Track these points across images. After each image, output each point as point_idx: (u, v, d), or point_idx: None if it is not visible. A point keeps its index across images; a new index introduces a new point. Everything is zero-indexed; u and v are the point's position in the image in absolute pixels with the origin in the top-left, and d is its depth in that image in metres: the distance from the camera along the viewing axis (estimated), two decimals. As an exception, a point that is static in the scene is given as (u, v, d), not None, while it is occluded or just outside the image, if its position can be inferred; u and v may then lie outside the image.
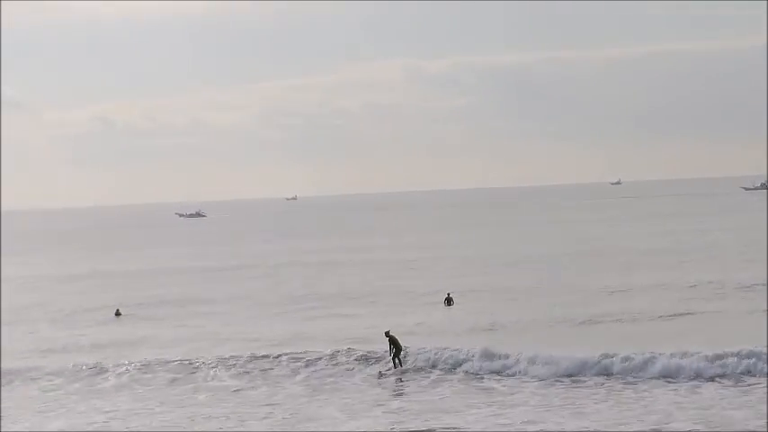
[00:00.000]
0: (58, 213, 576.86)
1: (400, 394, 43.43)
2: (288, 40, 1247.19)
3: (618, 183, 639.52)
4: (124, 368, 49.39)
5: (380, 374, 46.33)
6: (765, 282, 68.08)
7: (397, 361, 46.59)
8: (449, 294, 70.73)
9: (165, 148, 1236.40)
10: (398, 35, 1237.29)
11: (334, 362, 48.21)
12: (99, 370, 49.48)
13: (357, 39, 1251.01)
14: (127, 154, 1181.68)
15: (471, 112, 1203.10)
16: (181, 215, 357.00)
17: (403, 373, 46.10)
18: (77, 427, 39.77)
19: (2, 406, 43.51)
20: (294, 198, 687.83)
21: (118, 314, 72.18)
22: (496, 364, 45.91)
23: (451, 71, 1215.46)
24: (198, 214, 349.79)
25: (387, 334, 47.00)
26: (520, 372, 44.83)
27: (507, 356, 46.17)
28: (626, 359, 44.21)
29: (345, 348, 50.09)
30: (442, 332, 56.05)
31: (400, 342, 46.93)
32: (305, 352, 50.09)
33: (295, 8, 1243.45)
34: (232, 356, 50.23)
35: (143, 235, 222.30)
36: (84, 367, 50.00)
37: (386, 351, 47.24)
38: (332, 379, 46.06)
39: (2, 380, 48.67)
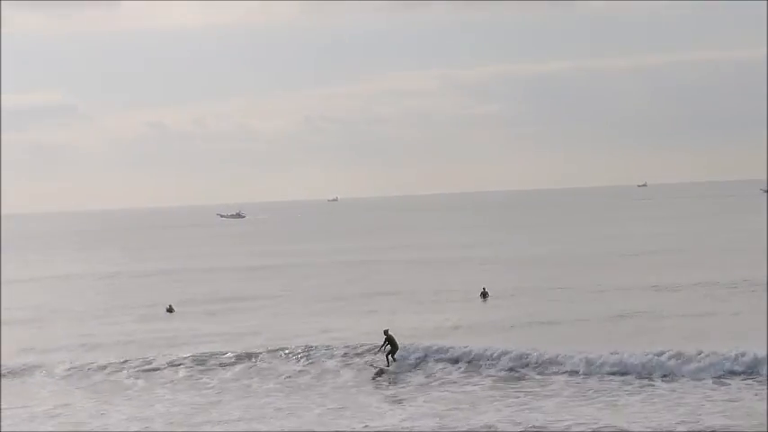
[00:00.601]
0: (112, 214, 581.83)
1: (443, 383, 45.18)
2: (331, 49, 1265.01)
3: (644, 185, 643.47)
4: (181, 362, 50.48)
5: (371, 365, 47.99)
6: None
7: (390, 358, 47.81)
8: (484, 289, 73.45)
9: (214, 153, 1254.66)
10: (434, 46, 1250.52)
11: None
12: (157, 365, 50.47)
13: (395, 49, 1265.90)
14: (177, 158, 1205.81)
15: (504, 119, 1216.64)
16: (222, 216, 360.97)
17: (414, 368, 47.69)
18: (143, 420, 41.49)
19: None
20: (335, 199, 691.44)
21: (170, 310, 73.47)
22: (527, 361, 46.46)
23: (485, 80, 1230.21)
24: (238, 215, 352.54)
25: (386, 332, 48.31)
26: (552, 369, 45.33)
27: (543, 354, 46.57)
28: (674, 356, 44.32)
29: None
30: (476, 328, 57.75)
31: (397, 341, 48.11)
32: (346, 346, 51.18)
33: (337, 20, 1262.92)
34: (280, 348, 51.58)
35: (186, 235, 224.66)
36: (141, 361, 51.06)
37: (378, 345, 48.49)
38: (372, 372, 47.71)
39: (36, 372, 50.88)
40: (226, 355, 51.23)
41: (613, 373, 44.09)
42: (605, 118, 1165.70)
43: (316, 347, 51.27)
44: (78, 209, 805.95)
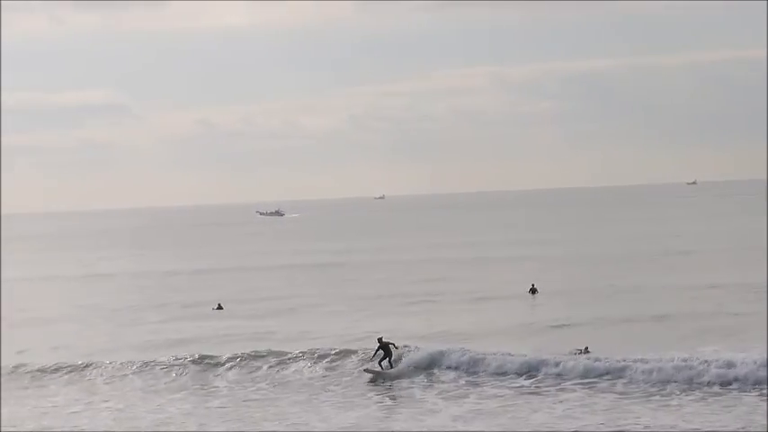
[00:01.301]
0: (161, 212, 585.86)
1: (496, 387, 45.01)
2: (378, 47, 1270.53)
3: (693, 183, 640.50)
4: (234, 359, 50.48)
5: (366, 370, 47.48)
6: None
7: (385, 364, 47.36)
8: (533, 285, 74.32)
9: (261, 151, 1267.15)
10: (483, 43, 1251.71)
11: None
12: (209, 364, 50.46)
13: (444, 47, 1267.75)
14: (225, 156, 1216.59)
15: (553, 117, 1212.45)
16: (261, 214, 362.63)
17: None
18: (200, 416, 42.13)
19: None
20: (382, 197, 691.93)
21: (219, 308, 74.24)
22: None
23: (534, 77, 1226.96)
24: (277, 213, 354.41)
25: (379, 340, 47.94)
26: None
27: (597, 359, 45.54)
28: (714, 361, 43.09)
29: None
30: (525, 328, 58.52)
31: (392, 347, 47.64)
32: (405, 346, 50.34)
33: (385, 18, 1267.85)
34: (314, 348, 51.11)
35: (231, 232, 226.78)
36: (191, 358, 51.10)
37: (373, 351, 47.89)
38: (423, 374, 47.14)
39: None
40: (279, 354, 51.20)
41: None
42: (655, 115, 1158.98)
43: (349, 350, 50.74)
44: (128, 206, 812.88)
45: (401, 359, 47.62)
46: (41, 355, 55.62)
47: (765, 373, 41.23)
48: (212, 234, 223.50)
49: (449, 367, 46.56)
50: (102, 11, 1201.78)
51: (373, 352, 47.79)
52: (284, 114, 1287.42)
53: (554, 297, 71.99)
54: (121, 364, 51.38)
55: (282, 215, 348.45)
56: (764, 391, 40.06)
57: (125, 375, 49.93)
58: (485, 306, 69.44)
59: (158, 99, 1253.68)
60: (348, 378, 47.07)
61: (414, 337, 55.17)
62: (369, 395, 44.30)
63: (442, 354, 47.30)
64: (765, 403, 38.71)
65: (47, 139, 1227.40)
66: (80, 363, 51.88)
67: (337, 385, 46.07)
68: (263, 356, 50.82)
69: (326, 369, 48.51)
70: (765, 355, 42.37)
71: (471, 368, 46.28)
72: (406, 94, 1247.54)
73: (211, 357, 51.25)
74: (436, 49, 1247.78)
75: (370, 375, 46.93)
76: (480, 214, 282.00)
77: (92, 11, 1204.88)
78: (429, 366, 46.90)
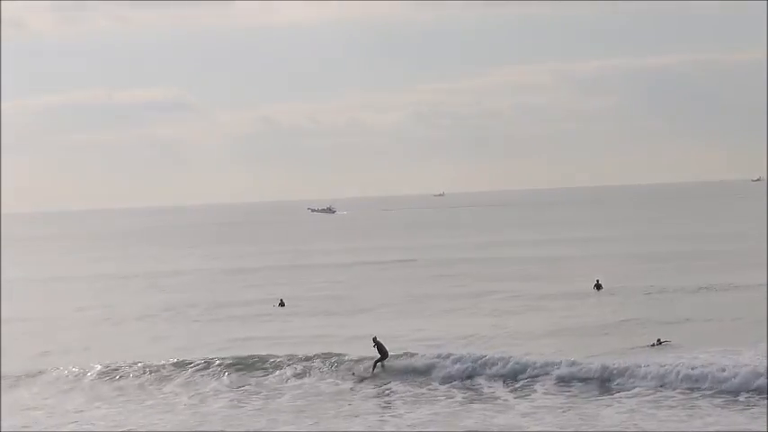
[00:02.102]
0: (225, 209, 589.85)
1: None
2: (441, 44, 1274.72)
3: (758, 180, 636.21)
4: (300, 359, 50.13)
5: (353, 373, 47.20)
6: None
7: (379, 365, 47.26)
8: (598, 281, 74.67)
9: (325, 148, 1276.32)
10: (547, 39, 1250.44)
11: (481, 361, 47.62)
12: (272, 364, 50.14)
13: (507, 43, 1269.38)
14: (289, 153, 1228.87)
15: (619, 113, 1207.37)
16: (313, 210, 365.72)
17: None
18: (270, 411, 42.81)
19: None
20: (442, 194, 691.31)
21: (281, 304, 75.21)
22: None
23: (599, 73, 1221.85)
24: (328, 210, 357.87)
25: (374, 340, 47.89)
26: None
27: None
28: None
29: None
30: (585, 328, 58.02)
31: (386, 348, 47.64)
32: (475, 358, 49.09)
33: (450, 14, 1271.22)
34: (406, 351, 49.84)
35: (284, 229, 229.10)
36: (262, 358, 50.94)
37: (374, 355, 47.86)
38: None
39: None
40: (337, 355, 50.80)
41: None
42: (718, 111, 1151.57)
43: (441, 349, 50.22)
44: (192, 203, 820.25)
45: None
46: (106, 354, 55.25)
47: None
48: (273, 230, 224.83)
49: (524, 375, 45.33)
50: (167, 10, 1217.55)
51: (375, 353, 47.69)
52: (348, 112, 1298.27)
53: (618, 293, 72.02)
54: (195, 362, 51.41)
55: (334, 212, 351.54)
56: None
57: (197, 372, 50.04)
58: (550, 304, 69.24)
59: (222, 97, 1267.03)
60: (412, 376, 46.90)
61: (481, 337, 56.01)
62: (437, 392, 44.49)
63: (523, 365, 45.78)
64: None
65: (112, 136, 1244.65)
66: (160, 363, 51.68)
67: (404, 382, 46.07)
68: (339, 355, 50.47)
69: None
70: None
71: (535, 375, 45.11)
72: (469, 91, 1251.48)
73: (275, 357, 50.96)
74: (500, 46, 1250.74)
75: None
76: (543, 211, 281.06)
77: (156, 10, 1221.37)
78: (513, 375, 45.61)
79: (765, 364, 41.59)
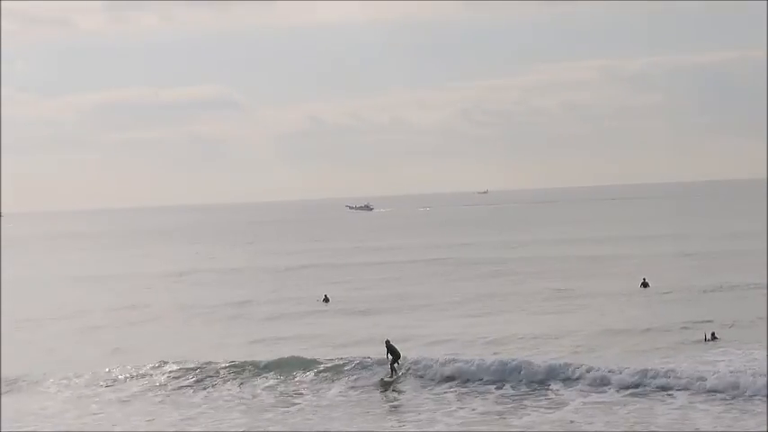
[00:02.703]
0: (270, 207, 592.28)
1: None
2: (487, 41, 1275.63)
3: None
4: (350, 362, 48.87)
5: (382, 381, 45.97)
6: None
7: (395, 367, 46.19)
8: (644, 279, 74.26)
9: (370, 146, 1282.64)
10: (593, 37, 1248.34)
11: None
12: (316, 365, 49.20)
13: (553, 40, 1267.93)
14: (333, 151, 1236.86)
15: (666, 110, 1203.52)
16: (350, 208, 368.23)
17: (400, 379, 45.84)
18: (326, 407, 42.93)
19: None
20: (485, 192, 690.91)
21: (326, 300, 76.00)
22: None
23: (645, 71, 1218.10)
24: (366, 207, 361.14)
25: (387, 343, 46.55)
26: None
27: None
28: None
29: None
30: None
31: (398, 350, 46.69)
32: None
33: (495, 12, 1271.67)
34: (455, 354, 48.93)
35: (323, 226, 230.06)
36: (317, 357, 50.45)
37: (387, 357, 46.60)
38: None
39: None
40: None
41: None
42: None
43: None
44: (236, 201, 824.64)
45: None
46: (146, 353, 54.89)
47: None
48: (311, 228, 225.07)
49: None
50: (213, 8, 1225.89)
51: (386, 356, 46.55)
52: (393, 109, 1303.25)
53: (665, 292, 71.45)
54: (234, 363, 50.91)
55: (371, 209, 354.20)
56: None
57: (240, 373, 49.43)
58: (596, 302, 68.63)
59: (268, 95, 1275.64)
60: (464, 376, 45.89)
61: (536, 337, 55.30)
62: (487, 391, 43.97)
63: (571, 365, 44.62)
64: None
65: (157, 134, 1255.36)
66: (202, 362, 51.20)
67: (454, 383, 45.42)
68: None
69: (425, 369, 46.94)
70: None
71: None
72: (516, 88, 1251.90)
73: (321, 360, 50.15)
74: (546, 43, 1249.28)
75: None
76: (588, 208, 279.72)
77: (202, 8, 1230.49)
78: (561, 373, 44.42)
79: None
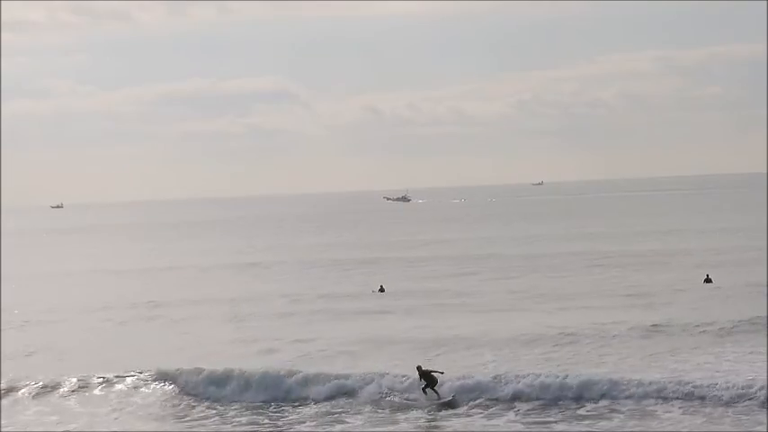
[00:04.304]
0: (328, 198, 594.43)
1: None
2: (547, 33, 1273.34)
3: None
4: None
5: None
6: None
7: (430, 392, 41.29)
8: (707, 275, 72.66)
9: (427, 137, 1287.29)
10: (651, 27, 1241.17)
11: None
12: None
13: (612, 31, 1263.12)
14: (391, 142, 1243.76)
15: (724, 102, 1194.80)
16: (388, 199, 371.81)
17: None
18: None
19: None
20: (541, 183, 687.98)
21: (382, 290, 75.49)
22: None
23: (704, 61, 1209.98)
24: (404, 198, 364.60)
25: (418, 369, 41.94)
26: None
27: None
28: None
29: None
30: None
31: (434, 374, 41.55)
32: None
33: (553, 3, 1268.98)
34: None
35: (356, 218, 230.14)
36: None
37: (420, 382, 41.63)
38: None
39: None
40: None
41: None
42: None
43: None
44: (295, 192, 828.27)
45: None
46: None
47: None
48: (354, 219, 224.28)
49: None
50: (269, 1, 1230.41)
51: (419, 382, 41.85)
52: (450, 101, 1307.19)
53: (729, 288, 68.75)
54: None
55: (409, 200, 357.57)
56: None
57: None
58: (654, 300, 65.93)
59: (326, 86, 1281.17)
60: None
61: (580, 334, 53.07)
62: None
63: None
64: None
65: (217, 125, 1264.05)
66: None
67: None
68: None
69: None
70: None
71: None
72: (574, 79, 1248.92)
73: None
74: (604, 34, 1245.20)
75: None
76: (645, 199, 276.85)
77: (259, 1, 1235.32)
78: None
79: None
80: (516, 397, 40.34)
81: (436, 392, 41.33)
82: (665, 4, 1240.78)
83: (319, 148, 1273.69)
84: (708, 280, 72.06)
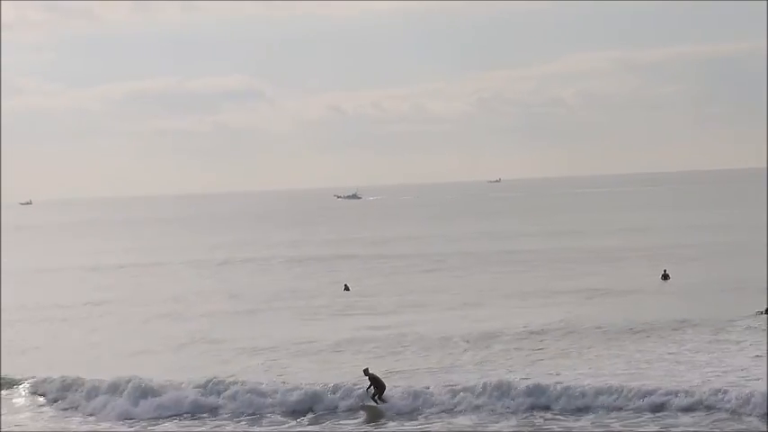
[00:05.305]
0: (293, 194, 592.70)
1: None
2: (506, 32, 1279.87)
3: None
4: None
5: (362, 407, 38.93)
6: None
7: (377, 400, 38.76)
8: (665, 271, 72.67)
9: (391, 135, 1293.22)
10: (609, 27, 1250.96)
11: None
12: None
13: (571, 31, 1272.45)
14: (355, 140, 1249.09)
15: (681, 101, 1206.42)
16: (338, 197, 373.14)
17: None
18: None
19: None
20: (498, 181, 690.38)
21: (346, 289, 75.28)
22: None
23: (661, 61, 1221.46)
24: (354, 196, 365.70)
25: (366, 372, 39.45)
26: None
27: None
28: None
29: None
30: None
31: (382, 381, 39.17)
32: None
33: (513, 2, 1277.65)
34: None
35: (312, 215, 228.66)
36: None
37: (367, 389, 39.08)
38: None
39: None
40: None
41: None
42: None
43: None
44: (261, 189, 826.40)
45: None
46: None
47: None
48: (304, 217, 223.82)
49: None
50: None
51: (367, 388, 39.20)
52: (413, 99, 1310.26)
53: (686, 284, 68.95)
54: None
55: (359, 198, 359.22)
56: None
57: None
58: (608, 299, 65.36)
59: (292, 85, 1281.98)
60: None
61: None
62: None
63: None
64: None
65: (186, 123, 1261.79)
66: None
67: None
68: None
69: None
70: None
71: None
72: (534, 78, 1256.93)
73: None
74: (564, 34, 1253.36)
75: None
76: (602, 196, 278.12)
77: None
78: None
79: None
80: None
81: (383, 400, 38.68)
82: (623, 5, 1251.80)
83: (286, 146, 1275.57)
84: (665, 276, 71.96)
